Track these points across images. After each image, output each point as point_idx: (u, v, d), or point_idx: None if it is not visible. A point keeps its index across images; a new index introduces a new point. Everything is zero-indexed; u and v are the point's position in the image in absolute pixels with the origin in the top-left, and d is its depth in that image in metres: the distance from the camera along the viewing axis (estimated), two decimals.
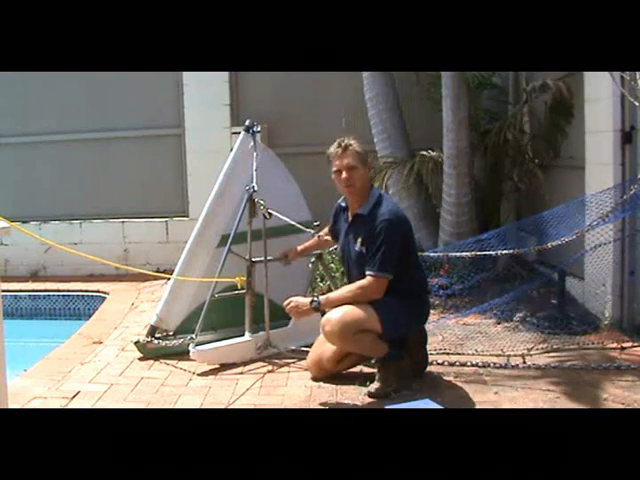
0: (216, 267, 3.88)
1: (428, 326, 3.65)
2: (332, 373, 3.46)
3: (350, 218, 3.40)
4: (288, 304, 3.28)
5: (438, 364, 3.62)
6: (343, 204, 3.50)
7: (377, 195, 3.33)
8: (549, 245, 3.82)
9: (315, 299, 3.23)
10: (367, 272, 3.18)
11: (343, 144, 3.31)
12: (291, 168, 4.37)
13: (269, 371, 3.68)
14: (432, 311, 4.13)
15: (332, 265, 4.75)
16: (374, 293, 3.18)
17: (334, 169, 3.33)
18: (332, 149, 3.35)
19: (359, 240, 3.29)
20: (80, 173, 6.90)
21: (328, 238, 3.72)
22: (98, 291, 5.98)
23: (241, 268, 3.89)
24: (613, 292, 4.13)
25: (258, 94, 6.60)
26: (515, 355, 3.72)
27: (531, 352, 3.75)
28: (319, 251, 4.14)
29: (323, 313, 3.25)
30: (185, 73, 6.48)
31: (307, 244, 3.89)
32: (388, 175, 5.61)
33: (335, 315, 3.14)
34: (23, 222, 5.87)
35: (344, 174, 3.28)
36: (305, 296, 3.75)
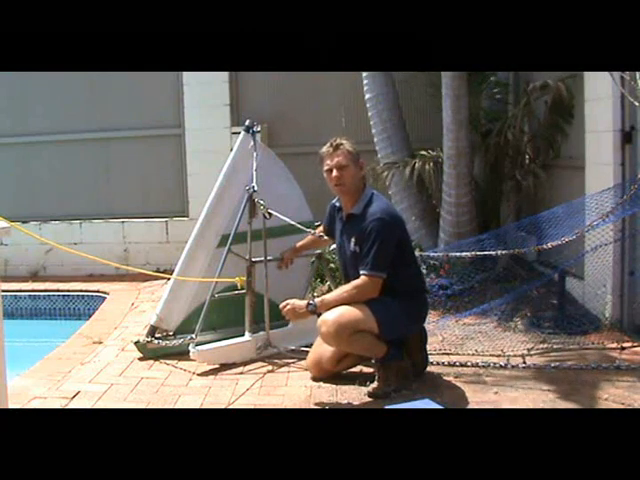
0: (216, 267, 3.88)
1: (428, 326, 3.65)
2: (332, 373, 3.46)
3: (344, 218, 3.40)
4: (285, 307, 3.28)
5: (438, 364, 3.62)
6: (337, 204, 3.50)
7: (369, 194, 3.34)
8: (549, 245, 3.82)
9: (311, 302, 3.23)
10: (361, 272, 3.19)
11: (334, 143, 3.33)
12: (291, 168, 4.37)
13: (269, 371, 3.68)
14: (432, 311, 4.14)
15: (332, 265, 4.74)
16: (369, 292, 3.18)
17: (325, 168, 3.35)
18: (324, 149, 3.37)
19: (353, 240, 3.30)
20: (80, 173, 6.91)
21: (325, 236, 3.72)
22: (98, 291, 5.99)
23: (241, 268, 3.89)
24: (613, 292, 4.13)
25: (258, 94, 6.61)
26: (515, 355, 3.72)
27: (531, 352, 3.75)
28: (319, 251, 4.14)
29: (320, 315, 3.25)
30: (185, 73, 6.49)
31: (302, 242, 3.90)
32: (389, 175, 5.61)
33: (331, 316, 3.14)
34: (23, 222, 5.88)
35: (334, 173, 3.29)
36: (304, 297, 3.76)
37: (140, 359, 3.95)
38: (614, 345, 3.82)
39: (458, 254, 4.35)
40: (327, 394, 3.29)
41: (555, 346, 3.86)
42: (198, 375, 3.66)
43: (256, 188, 3.86)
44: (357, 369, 3.54)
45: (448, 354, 3.80)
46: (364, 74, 5.80)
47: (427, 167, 5.45)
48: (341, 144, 3.32)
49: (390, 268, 3.19)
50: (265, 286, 3.87)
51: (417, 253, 3.70)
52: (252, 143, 4.07)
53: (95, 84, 6.67)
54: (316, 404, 3.17)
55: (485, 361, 3.66)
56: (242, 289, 3.88)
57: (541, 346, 3.85)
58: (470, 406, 3.08)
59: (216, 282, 3.86)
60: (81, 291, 6.06)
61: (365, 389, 3.28)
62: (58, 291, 6.07)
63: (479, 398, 3.17)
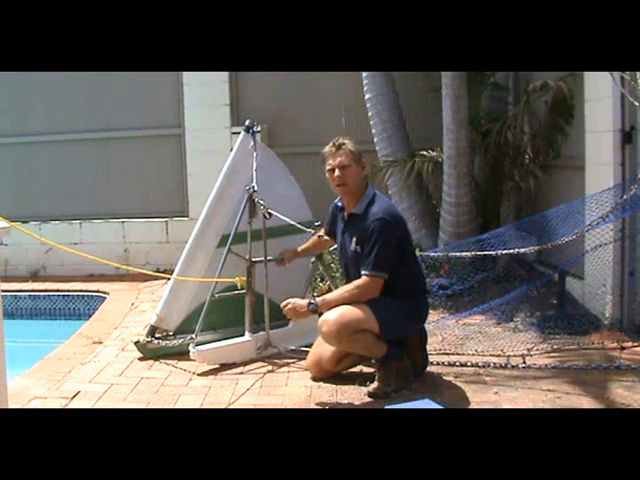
0: (216, 267, 3.88)
1: (428, 326, 3.65)
2: (332, 373, 3.46)
3: (346, 217, 3.41)
4: (286, 305, 3.28)
5: (438, 364, 3.62)
6: (339, 204, 3.51)
7: (371, 194, 3.34)
8: (549, 245, 3.82)
9: (312, 301, 3.23)
10: (362, 272, 3.19)
11: (337, 143, 3.33)
12: (291, 168, 4.37)
13: (269, 371, 3.68)
14: (432, 311, 4.13)
15: (332, 265, 4.75)
16: (370, 292, 3.18)
17: (327, 168, 3.35)
18: (326, 148, 3.38)
19: (354, 239, 3.30)
20: (80, 173, 6.91)
21: (327, 238, 3.72)
22: (98, 291, 5.99)
23: (241, 268, 3.88)
24: (613, 292, 4.13)
25: (258, 94, 6.61)
26: (515, 355, 3.72)
27: (531, 352, 3.75)
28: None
29: (320, 314, 3.25)
30: (185, 73, 6.49)
31: (306, 245, 3.89)
32: (388, 175, 5.62)
33: (332, 316, 3.14)
34: (23, 222, 5.88)
35: (336, 172, 3.30)
36: (305, 297, 3.76)
37: (140, 359, 3.94)
38: (614, 345, 3.82)
39: (458, 254, 4.35)
40: (327, 394, 3.29)
41: (555, 346, 3.86)
42: (198, 375, 3.66)
43: (256, 188, 3.86)
44: (357, 369, 3.54)
45: (448, 354, 3.80)
46: (364, 74, 5.81)
47: (427, 167, 5.45)
48: (343, 144, 3.32)
49: (391, 268, 3.20)
50: (265, 286, 3.87)
51: (417, 253, 3.70)
52: (252, 143, 4.07)
53: (95, 84, 6.67)
54: (316, 404, 3.17)
55: (485, 361, 3.66)
56: (242, 289, 3.88)
57: (541, 346, 3.85)
58: (470, 406, 3.08)
59: (216, 282, 3.86)
60: (81, 291, 6.05)
61: (365, 389, 3.28)
62: (58, 291, 6.07)
63: (479, 398, 3.17)
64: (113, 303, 5.55)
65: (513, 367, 3.58)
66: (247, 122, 4.14)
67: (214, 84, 6.47)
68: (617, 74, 3.65)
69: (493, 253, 4.15)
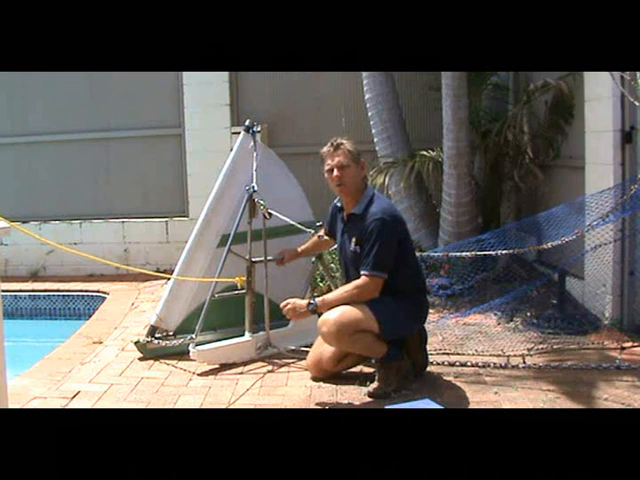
0: (216, 267, 3.88)
1: (428, 326, 3.65)
2: (332, 373, 3.46)
3: (345, 218, 3.41)
4: (285, 306, 3.28)
5: (438, 364, 3.62)
6: (339, 204, 3.50)
7: (370, 194, 3.34)
8: (549, 245, 3.83)
9: (312, 302, 3.23)
10: (361, 272, 3.19)
11: (335, 143, 3.33)
12: (291, 168, 4.37)
13: (269, 371, 3.68)
14: (432, 311, 4.14)
15: (332, 265, 4.75)
16: (370, 293, 3.18)
17: (326, 168, 3.35)
18: (325, 148, 3.37)
19: (353, 240, 3.30)
20: (80, 173, 6.91)
21: (327, 238, 3.72)
22: (98, 291, 5.99)
23: (241, 268, 3.88)
24: (613, 292, 4.13)
25: (258, 94, 6.62)
26: (515, 355, 3.72)
27: (531, 352, 3.75)
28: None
29: (320, 315, 3.25)
30: (185, 73, 6.49)
31: (306, 245, 3.88)
32: (388, 175, 5.62)
33: (332, 316, 3.14)
34: (23, 222, 5.88)
35: (335, 172, 3.29)
36: (304, 297, 3.76)
37: (140, 359, 3.94)
38: (614, 345, 3.82)
39: (458, 254, 4.35)
40: (327, 394, 3.29)
41: (555, 346, 3.86)
42: (198, 375, 3.66)
43: (256, 188, 3.86)
44: (357, 369, 3.54)
45: (448, 354, 3.80)
46: (364, 74, 5.81)
47: (427, 167, 5.45)
48: (342, 144, 3.32)
49: (391, 268, 3.20)
50: (265, 286, 3.87)
51: (417, 253, 3.70)
52: (252, 143, 4.07)
53: (95, 84, 6.67)
54: (316, 404, 3.17)
55: (485, 361, 3.66)
56: (242, 289, 3.88)
57: (541, 346, 3.85)
58: (470, 406, 3.08)
59: (216, 282, 3.86)
60: (81, 291, 6.05)
61: (365, 389, 3.28)
62: (58, 291, 6.07)
63: (479, 398, 3.17)
64: (113, 303, 5.55)
65: (513, 367, 3.58)
66: (247, 122, 4.14)
67: (214, 84, 6.47)
68: (617, 74, 3.65)
69: (493, 253, 4.15)
